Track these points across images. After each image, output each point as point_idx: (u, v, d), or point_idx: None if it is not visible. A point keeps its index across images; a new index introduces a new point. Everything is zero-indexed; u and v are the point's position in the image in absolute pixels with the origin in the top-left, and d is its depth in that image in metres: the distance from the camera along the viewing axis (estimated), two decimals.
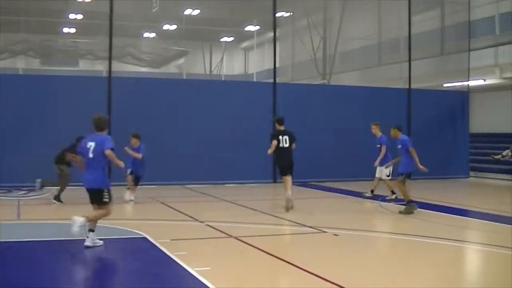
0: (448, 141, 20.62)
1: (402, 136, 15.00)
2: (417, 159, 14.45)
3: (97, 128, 10.41)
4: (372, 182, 17.59)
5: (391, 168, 16.82)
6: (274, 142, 14.73)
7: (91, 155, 10.11)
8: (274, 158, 16.13)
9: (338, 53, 33.22)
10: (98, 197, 10.18)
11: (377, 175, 17.35)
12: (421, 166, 14.49)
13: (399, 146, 14.85)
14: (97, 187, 10.16)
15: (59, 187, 15.90)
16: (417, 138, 20.89)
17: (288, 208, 14.58)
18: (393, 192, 17.02)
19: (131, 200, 15.92)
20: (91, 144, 10.15)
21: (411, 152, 14.45)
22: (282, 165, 15.18)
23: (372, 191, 17.49)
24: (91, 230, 10.03)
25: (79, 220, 9.84)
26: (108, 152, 10.03)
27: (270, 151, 14.86)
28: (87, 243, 9.94)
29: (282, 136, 14.91)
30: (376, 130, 17.43)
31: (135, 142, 15.91)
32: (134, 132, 15.98)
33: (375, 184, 17.52)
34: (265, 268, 9.08)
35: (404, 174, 14.58)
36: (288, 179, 14.97)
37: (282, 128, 15.13)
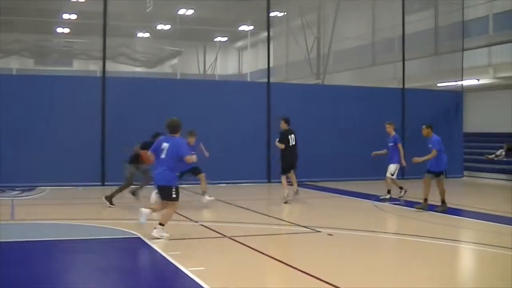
0: (442, 140, 20.48)
1: (433, 136, 15.25)
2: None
3: (171, 131, 11.14)
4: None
5: (397, 167, 17.14)
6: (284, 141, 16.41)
7: (163, 155, 10.86)
8: (281, 155, 16.74)
9: (332, 53, 33.22)
10: (167, 194, 10.90)
11: (388, 174, 17.36)
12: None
13: (430, 146, 15.05)
14: (167, 185, 10.88)
15: (120, 188, 15.12)
16: (411, 138, 21.02)
17: (290, 201, 16.02)
18: (389, 192, 17.11)
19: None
20: (166, 145, 10.91)
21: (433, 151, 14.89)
22: (290, 162, 16.61)
23: (401, 188, 17.42)
24: (161, 224, 10.76)
25: (145, 211, 10.90)
26: (187, 158, 10.91)
27: (281, 146, 16.45)
28: (154, 233, 10.64)
29: (290, 135, 16.51)
30: (390, 129, 17.60)
31: (192, 140, 15.36)
32: (190, 129, 15.41)
33: (396, 183, 17.52)
34: (260, 267, 9.09)
35: (441, 173, 15.07)
36: (293, 174, 16.77)
37: (288, 127, 16.56)
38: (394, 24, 26.83)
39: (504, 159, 22.62)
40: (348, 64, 33.06)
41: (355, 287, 7.93)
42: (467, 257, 10.68)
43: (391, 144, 17.34)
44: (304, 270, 8.53)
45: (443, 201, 14.94)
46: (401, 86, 24.81)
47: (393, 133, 17.54)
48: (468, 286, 8.45)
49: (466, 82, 27.02)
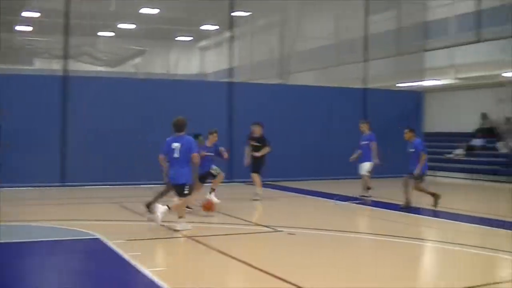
0: (404, 140, 20.68)
1: (415, 140, 15.63)
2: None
3: (178, 130, 11.83)
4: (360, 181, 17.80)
5: (372, 165, 17.43)
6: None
7: (176, 155, 11.54)
8: (262, 156, 17.06)
9: (296, 53, 33.30)
10: (180, 191, 11.71)
11: (360, 172, 17.53)
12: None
13: (412, 150, 15.38)
14: (182, 183, 11.64)
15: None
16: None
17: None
18: (368, 188, 17.33)
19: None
20: (177, 145, 11.57)
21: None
22: (265, 163, 17.20)
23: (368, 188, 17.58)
24: (181, 217, 11.63)
25: (162, 208, 11.51)
26: (195, 155, 11.57)
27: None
28: (178, 227, 11.49)
29: None
30: (364, 128, 17.79)
31: (213, 139, 15.20)
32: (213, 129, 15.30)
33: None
34: (221, 267, 9.07)
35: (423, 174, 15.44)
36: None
37: None
38: (357, 25, 26.97)
39: (464, 159, 22.94)
40: (312, 64, 33.12)
41: (317, 287, 7.94)
42: (429, 255, 10.81)
43: (365, 142, 17.52)
44: (266, 270, 8.54)
45: (433, 194, 15.31)
46: (364, 86, 24.97)
47: (368, 131, 17.71)
48: (429, 286, 8.53)
49: (428, 83, 27.31)
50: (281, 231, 11.96)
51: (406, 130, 15.65)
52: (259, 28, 34.66)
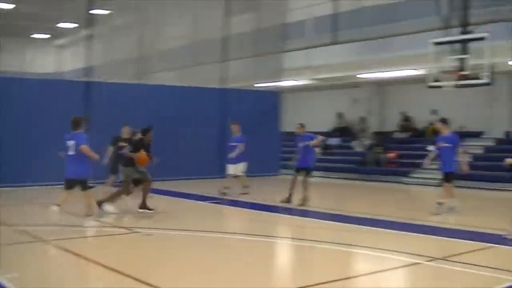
0: (261, 139, 21.12)
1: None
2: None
3: (72, 128, 12.39)
4: (224, 180, 18.26)
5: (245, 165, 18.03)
6: None
7: (71, 152, 12.20)
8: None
9: (156, 53, 33.05)
10: (73, 185, 12.50)
11: (230, 171, 17.90)
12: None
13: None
14: (75, 178, 12.32)
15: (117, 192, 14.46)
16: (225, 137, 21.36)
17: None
18: (245, 187, 17.85)
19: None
20: (71, 143, 12.14)
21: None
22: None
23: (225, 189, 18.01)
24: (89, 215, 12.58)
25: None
26: (83, 147, 12.27)
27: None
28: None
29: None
30: (235, 129, 18.31)
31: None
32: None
33: (230, 182, 18.15)
34: (76, 270, 8.91)
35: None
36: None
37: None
38: (217, 25, 27.11)
39: (320, 157, 23.53)
40: (172, 64, 32.97)
41: (173, 287, 7.92)
42: (287, 253, 11.01)
43: (234, 143, 18.07)
44: (122, 271, 8.44)
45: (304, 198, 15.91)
46: (222, 86, 25.13)
47: (238, 133, 18.21)
48: (286, 285, 8.65)
49: (286, 83, 27.86)
50: (139, 232, 11.82)
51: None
52: (119, 27, 34.10)
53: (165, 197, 18.13)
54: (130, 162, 14.04)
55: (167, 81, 28.69)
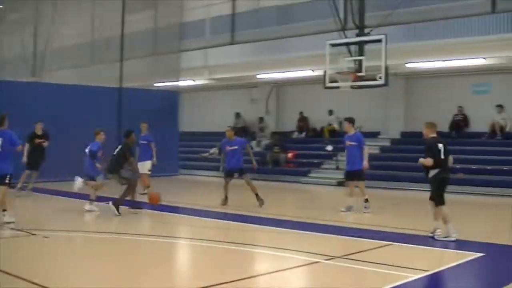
0: (159, 139, 20.85)
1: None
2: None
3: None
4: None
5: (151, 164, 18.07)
6: None
7: None
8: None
9: (51, 50, 32.16)
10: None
11: (141, 171, 17.37)
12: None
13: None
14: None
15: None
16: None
17: None
18: (148, 186, 17.61)
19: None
20: None
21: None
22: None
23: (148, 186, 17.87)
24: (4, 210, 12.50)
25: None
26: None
27: None
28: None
29: None
30: (144, 128, 18.38)
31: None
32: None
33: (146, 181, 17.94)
34: None
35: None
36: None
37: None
38: (114, 23, 26.70)
39: (218, 157, 23.55)
40: (69, 62, 32.21)
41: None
42: (186, 253, 11.03)
43: (144, 142, 18.14)
44: (17, 274, 8.24)
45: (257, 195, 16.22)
46: (119, 85, 24.81)
47: (146, 132, 18.33)
48: (187, 285, 8.62)
49: (183, 83, 27.76)
50: (35, 234, 11.51)
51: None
52: (11, 23, 33.03)
53: (66, 198, 17.74)
54: (114, 169, 14.57)
55: (65, 80, 27.96)
